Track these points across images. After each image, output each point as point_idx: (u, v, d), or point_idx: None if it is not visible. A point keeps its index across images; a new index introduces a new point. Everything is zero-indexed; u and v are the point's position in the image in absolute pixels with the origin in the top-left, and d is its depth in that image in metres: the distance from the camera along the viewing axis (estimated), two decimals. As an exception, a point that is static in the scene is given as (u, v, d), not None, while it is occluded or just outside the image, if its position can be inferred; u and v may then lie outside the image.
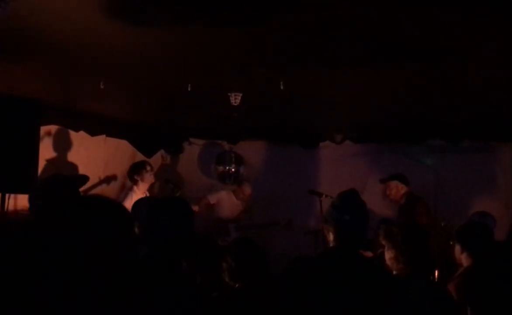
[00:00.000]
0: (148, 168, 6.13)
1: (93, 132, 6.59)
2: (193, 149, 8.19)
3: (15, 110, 4.33)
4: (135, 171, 6.11)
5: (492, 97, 5.08)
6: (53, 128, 6.11)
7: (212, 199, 7.19)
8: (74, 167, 6.38)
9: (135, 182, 6.05)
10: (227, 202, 7.22)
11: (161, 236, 2.58)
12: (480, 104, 5.43)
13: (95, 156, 6.77)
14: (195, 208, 6.90)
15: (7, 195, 4.26)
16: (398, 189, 6.06)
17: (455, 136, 7.05)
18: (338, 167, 7.54)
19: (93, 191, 6.28)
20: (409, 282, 3.46)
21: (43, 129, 5.82)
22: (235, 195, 7.29)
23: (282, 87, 4.45)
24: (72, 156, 6.47)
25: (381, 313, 2.60)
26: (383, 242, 3.75)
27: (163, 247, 2.56)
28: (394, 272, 3.60)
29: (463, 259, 3.73)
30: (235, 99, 4.92)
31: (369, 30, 3.30)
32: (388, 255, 3.70)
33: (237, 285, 3.30)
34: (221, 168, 7.78)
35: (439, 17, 3.06)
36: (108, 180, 6.98)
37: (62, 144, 6.35)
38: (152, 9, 3.03)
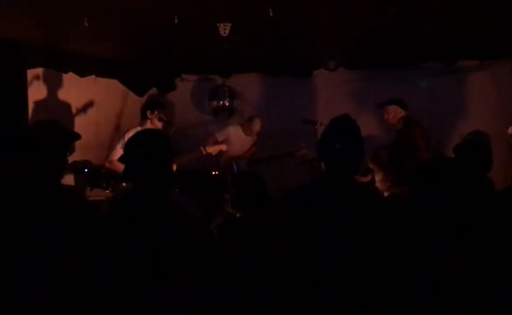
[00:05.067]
0: (161, 114, 5.54)
1: (82, 73, 6.47)
2: (185, 85, 8.07)
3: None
4: (151, 107, 5.54)
5: (486, 14, 4.97)
6: (41, 71, 6.01)
7: (220, 135, 6.68)
8: (65, 109, 6.33)
9: (144, 120, 5.47)
10: (236, 137, 6.79)
11: (141, 168, 2.52)
12: (474, 22, 5.32)
13: (86, 97, 6.69)
14: (208, 149, 5.88)
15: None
16: (396, 113, 6.01)
17: (449, 56, 6.94)
18: (332, 95, 7.46)
19: (87, 133, 6.22)
20: (398, 201, 3.46)
21: (31, 73, 5.73)
22: (243, 130, 6.90)
23: (271, 15, 4.34)
24: (63, 99, 6.39)
25: (373, 236, 2.58)
26: (371, 166, 3.75)
27: (146, 180, 2.53)
28: (385, 194, 3.61)
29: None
30: (224, 30, 4.81)
31: None
32: (377, 178, 3.70)
33: (238, 214, 3.39)
34: (214, 103, 7.70)
35: None
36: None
37: (52, 88, 6.27)
38: None
